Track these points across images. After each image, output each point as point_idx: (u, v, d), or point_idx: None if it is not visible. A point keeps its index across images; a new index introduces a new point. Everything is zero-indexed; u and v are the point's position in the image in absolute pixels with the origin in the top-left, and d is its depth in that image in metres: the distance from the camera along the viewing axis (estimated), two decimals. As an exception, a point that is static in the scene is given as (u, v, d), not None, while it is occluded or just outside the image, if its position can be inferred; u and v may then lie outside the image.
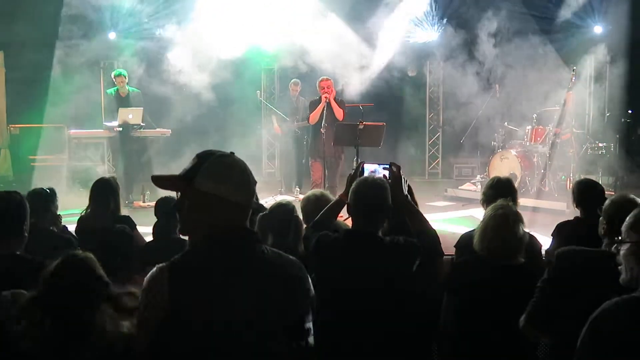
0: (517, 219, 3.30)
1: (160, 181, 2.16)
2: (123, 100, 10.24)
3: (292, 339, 2.08)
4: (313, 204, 4.09)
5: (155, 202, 4.51)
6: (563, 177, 10.79)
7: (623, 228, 2.17)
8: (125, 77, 10.27)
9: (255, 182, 2.15)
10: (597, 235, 4.16)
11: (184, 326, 1.95)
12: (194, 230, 2.12)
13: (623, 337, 1.99)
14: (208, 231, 2.07)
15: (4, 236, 3.18)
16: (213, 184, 2.06)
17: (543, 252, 4.19)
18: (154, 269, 2.04)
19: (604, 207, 3.26)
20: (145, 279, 2.04)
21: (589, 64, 12.72)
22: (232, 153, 2.15)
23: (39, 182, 6.53)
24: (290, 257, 2.18)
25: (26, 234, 3.27)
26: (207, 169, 2.07)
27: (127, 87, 10.29)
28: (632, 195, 3.38)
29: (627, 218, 2.17)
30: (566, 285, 2.94)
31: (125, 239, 3.56)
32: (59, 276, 2.50)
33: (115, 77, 10.30)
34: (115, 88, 10.32)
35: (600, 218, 3.29)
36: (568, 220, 4.65)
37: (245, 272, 2.04)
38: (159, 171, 12.59)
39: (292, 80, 11.38)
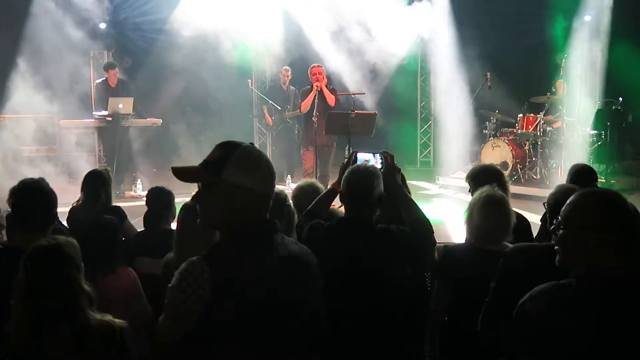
0: (501, 203, 3.31)
1: (182, 173, 2.13)
2: (112, 90, 10.22)
3: (315, 321, 2.21)
4: (305, 194, 4.08)
5: (147, 192, 4.49)
6: (554, 164, 10.83)
7: (560, 213, 2.16)
8: (117, 69, 10.27)
9: (275, 173, 2.20)
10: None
11: (225, 315, 1.99)
12: (220, 222, 2.12)
13: (542, 320, 2.05)
14: (237, 222, 2.09)
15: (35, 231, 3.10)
16: (243, 175, 2.08)
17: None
18: (189, 263, 2.01)
19: (546, 201, 3.17)
20: (179, 273, 2.01)
21: (580, 51, 12.73)
22: (252, 144, 2.18)
23: (29, 172, 6.49)
24: (302, 245, 2.27)
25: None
26: (236, 160, 2.09)
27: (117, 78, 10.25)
28: (572, 186, 3.35)
29: (566, 204, 2.15)
30: (516, 284, 2.99)
31: (109, 231, 3.53)
32: (35, 257, 2.52)
33: (107, 70, 10.27)
34: (104, 78, 10.28)
35: (544, 213, 3.25)
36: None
37: (278, 261, 2.11)
38: (151, 161, 12.59)
39: (283, 67, 11.33)
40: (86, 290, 2.56)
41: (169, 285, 2.04)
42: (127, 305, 3.30)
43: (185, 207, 3.42)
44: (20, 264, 2.53)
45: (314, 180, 4.86)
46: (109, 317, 2.58)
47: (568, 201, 2.14)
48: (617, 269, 2.03)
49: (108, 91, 10.21)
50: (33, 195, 3.22)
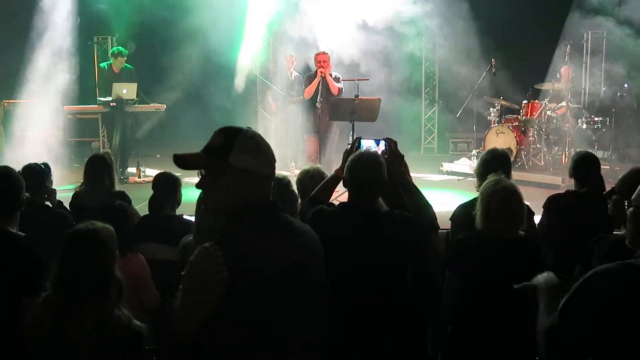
0: (518, 192, 3.31)
1: (185, 161, 2.14)
2: (116, 76, 10.22)
3: (322, 297, 2.26)
4: (309, 178, 4.09)
5: (154, 176, 4.49)
6: (559, 151, 10.80)
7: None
8: (124, 56, 10.25)
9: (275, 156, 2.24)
10: (587, 205, 4.19)
11: (244, 298, 2.01)
12: (227, 206, 2.14)
13: (612, 299, 2.04)
14: (243, 205, 2.11)
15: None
16: (248, 159, 2.10)
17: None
18: (202, 249, 2.03)
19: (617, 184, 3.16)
20: (194, 260, 2.03)
21: (585, 38, 12.67)
22: (250, 128, 2.20)
23: (33, 157, 6.49)
24: (303, 222, 2.33)
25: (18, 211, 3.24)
26: (241, 143, 2.11)
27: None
28: None
29: None
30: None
31: (122, 215, 3.56)
32: (71, 241, 2.54)
33: (113, 54, 10.25)
34: (108, 62, 10.26)
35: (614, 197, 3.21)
36: (559, 193, 4.67)
37: (288, 240, 2.16)
38: (155, 147, 12.61)
39: (287, 54, 11.27)
40: (117, 279, 2.57)
41: (184, 273, 2.05)
42: (137, 289, 3.32)
43: None
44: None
45: (319, 165, 4.86)
46: (127, 314, 2.59)
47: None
48: None
49: (111, 77, 10.20)
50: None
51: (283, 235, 2.16)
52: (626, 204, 2.22)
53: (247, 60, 11.78)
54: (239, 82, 11.80)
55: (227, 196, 2.12)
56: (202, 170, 2.17)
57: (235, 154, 2.09)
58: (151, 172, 9.04)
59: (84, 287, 2.49)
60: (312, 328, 2.20)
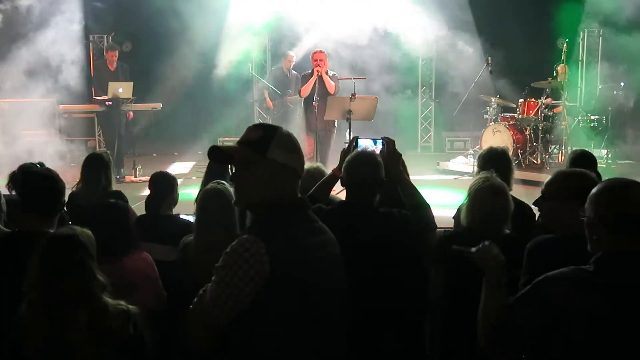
0: (503, 191, 3.30)
1: (223, 153, 2.16)
2: (111, 74, 10.20)
3: (347, 294, 2.28)
4: (310, 177, 4.07)
5: (151, 176, 4.47)
6: (555, 149, 10.81)
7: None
8: (117, 52, 10.26)
9: None
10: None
11: (284, 291, 2.01)
12: (259, 201, 2.15)
13: (562, 304, 2.11)
14: (276, 201, 2.12)
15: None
16: (287, 155, 2.14)
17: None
18: (241, 241, 2.02)
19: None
20: (232, 251, 2.02)
21: (582, 36, 12.68)
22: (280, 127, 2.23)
23: (29, 157, 6.48)
24: None
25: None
26: (280, 140, 2.14)
27: (116, 62, 10.24)
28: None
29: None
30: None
31: (125, 214, 3.56)
32: (50, 244, 2.53)
33: (107, 51, 10.25)
34: (102, 61, 10.26)
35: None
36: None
37: (321, 236, 2.21)
38: (151, 146, 12.59)
39: (288, 53, 11.25)
40: (99, 278, 2.56)
41: (219, 264, 2.04)
42: (143, 288, 3.31)
43: (205, 191, 3.48)
44: (34, 249, 2.55)
45: (319, 163, 4.84)
46: (123, 303, 2.58)
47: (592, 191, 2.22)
48: (633, 253, 2.12)
49: (106, 74, 10.19)
50: (44, 181, 3.20)
51: (313, 233, 2.18)
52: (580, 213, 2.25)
53: (242, 58, 11.78)
54: (234, 81, 11.80)
55: (260, 191, 2.13)
56: (233, 165, 2.18)
57: (274, 150, 2.11)
58: (147, 172, 9.02)
59: (67, 287, 2.48)
60: (339, 321, 2.22)
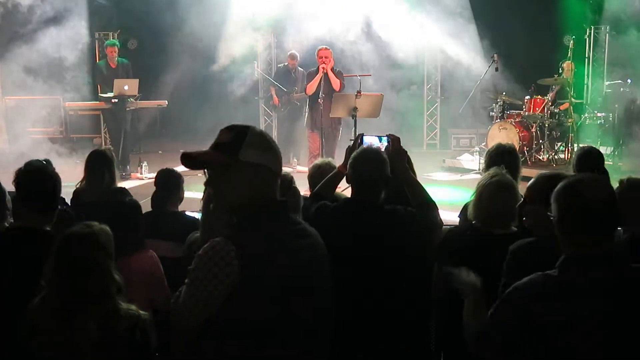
0: (512, 187, 3.28)
1: (194, 159, 2.12)
2: (113, 71, 10.17)
3: (328, 299, 2.26)
4: (321, 173, 4.05)
5: (156, 173, 4.47)
6: (561, 147, 10.77)
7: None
8: (117, 47, 10.24)
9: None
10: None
11: (253, 294, 1.99)
12: (238, 204, 2.12)
13: (532, 311, 2.12)
14: (254, 203, 2.09)
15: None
16: (259, 154, 2.10)
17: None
18: (213, 244, 2.01)
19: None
20: (204, 254, 2.01)
21: (588, 33, 12.63)
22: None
23: (35, 154, 6.49)
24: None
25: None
26: (252, 140, 2.10)
27: (116, 58, 10.21)
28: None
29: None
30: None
31: (134, 212, 3.56)
32: (67, 243, 2.52)
33: (107, 47, 10.24)
34: (104, 59, 10.27)
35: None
36: None
37: (297, 240, 2.15)
38: (157, 143, 12.59)
39: (289, 53, 11.23)
40: (116, 279, 2.55)
41: (191, 267, 2.03)
42: (149, 287, 3.30)
43: None
44: (51, 248, 2.53)
45: (330, 158, 4.83)
46: (134, 307, 2.57)
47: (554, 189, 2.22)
48: (594, 255, 2.12)
49: (109, 72, 10.16)
50: (36, 177, 3.19)
51: (292, 235, 2.15)
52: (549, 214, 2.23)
53: (247, 55, 11.78)
54: (240, 78, 11.80)
55: (238, 193, 2.11)
56: (207, 169, 2.15)
57: (245, 150, 2.08)
58: (153, 169, 9.03)
59: (84, 287, 2.47)
60: (319, 327, 2.19)
